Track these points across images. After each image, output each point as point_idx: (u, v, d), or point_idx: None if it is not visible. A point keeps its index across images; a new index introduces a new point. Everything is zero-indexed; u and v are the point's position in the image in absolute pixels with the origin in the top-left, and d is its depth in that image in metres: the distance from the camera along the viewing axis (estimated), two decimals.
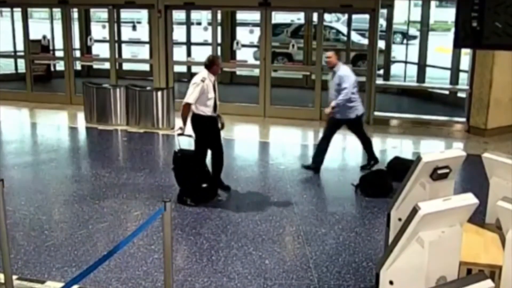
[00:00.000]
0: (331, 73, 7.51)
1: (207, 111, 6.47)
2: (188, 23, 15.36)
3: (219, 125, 6.70)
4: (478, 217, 4.25)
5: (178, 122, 10.21)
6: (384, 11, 12.53)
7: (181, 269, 4.95)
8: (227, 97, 11.78)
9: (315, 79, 11.14)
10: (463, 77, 11.54)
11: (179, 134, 6.57)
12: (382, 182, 6.92)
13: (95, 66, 14.60)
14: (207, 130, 6.56)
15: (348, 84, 7.24)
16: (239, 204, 6.55)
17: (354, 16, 13.25)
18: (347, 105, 7.37)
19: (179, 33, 14.13)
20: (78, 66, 13.80)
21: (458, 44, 5.06)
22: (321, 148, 7.68)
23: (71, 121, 11.17)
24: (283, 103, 11.41)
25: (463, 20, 4.84)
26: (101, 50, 13.27)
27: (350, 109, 7.43)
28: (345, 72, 7.36)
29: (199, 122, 6.50)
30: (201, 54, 13.60)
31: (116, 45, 12.73)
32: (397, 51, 14.28)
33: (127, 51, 14.83)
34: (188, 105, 6.40)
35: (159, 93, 10.19)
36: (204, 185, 6.54)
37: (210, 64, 6.51)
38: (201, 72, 6.55)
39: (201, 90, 6.35)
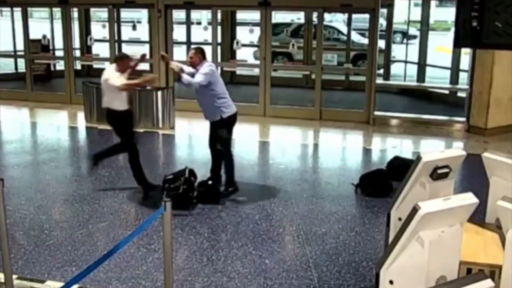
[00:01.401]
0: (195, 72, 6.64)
1: (119, 106, 6.54)
2: (188, 22, 15.36)
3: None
4: (478, 217, 4.25)
5: (178, 122, 10.30)
6: (384, 11, 12.54)
7: (181, 269, 4.95)
8: None
9: (315, 78, 11.13)
10: (463, 77, 11.54)
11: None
12: (382, 182, 6.91)
13: (95, 66, 14.58)
14: (121, 123, 6.64)
15: (202, 79, 6.34)
16: (239, 204, 6.55)
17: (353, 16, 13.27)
18: (214, 105, 6.55)
19: (179, 33, 14.13)
20: (78, 65, 13.80)
21: (458, 43, 5.08)
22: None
23: (71, 121, 11.17)
24: (283, 102, 11.42)
25: (463, 20, 4.84)
26: (101, 49, 13.27)
27: (216, 109, 6.58)
28: (206, 69, 6.44)
29: (113, 117, 6.61)
30: None
31: (116, 44, 12.72)
32: (397, 50, 14.29)
33: (127, 51, 14.80)
34: (124, 85, 6.43)
35: (159, 93, 10.19)
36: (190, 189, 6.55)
37: (114, 62, 6.68)
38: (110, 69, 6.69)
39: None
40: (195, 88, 6.48)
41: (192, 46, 7.52)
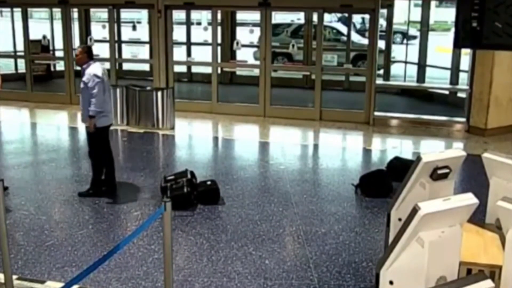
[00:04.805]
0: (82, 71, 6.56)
1: None
2: (188, 23, 15.36)
3: None
4: (478, 217, 4.25)
5: (178, 123, 10.30)
6: (384, 11, 12.54)
7: (181, 269, 4.95)
8: (227, 97, 11.84)
9: (315, 79, 11.13)
10: (463, 77, 11.54)
11: None
12: (382, 182, 6.91)
13: None
14: None
15: (97, 89, 6.31)
16: (239, 204, 6.55)
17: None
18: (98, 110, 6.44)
19: (179, 33, 14.12)
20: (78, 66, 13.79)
21: (458, 44, 5.08)
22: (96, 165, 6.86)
23: (71, 121, 11.16)
24: (283, 103, 11.42)
25: (463, 20, 4.85)
26: (101, 50, 13.26)
27: (101, 114, 6.47)
28: (94, 70, 6.38)
29: None
30: (201, 54, 13.70)
31: (116, 45, 12.73)
32: (397, 51, 14.30)
33: (127, 51, 14.82)
34: None
35: (159, 93, 10.19)
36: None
37: None
38: None
39: None
40: (99, 103, 6.35)
41: (79, 45, 7.38)
